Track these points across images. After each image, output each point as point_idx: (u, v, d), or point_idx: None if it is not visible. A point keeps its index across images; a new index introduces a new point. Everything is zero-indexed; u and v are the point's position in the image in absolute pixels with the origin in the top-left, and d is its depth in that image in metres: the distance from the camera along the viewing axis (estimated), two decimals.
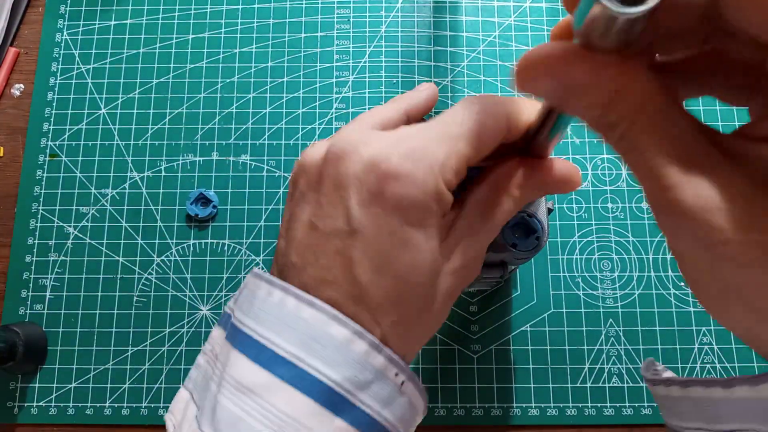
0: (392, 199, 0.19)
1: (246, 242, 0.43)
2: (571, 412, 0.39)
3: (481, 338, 0.41)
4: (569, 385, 0.39)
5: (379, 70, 0.46)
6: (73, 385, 0.40)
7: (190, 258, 0.42)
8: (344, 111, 0.45)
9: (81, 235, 0.43)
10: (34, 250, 0.43)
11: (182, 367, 0.41)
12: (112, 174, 0.44)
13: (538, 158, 0.21)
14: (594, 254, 0.42)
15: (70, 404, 0.40)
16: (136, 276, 0.42)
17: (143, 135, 0.45)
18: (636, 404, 0.39)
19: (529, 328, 0.41)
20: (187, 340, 0.41)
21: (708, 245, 0.14)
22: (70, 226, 0.43)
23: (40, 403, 0.40)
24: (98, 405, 0.40)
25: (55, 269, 0.42)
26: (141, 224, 0.43)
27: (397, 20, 0.47)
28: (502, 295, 0.41)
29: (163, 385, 0.40)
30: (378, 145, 0.20)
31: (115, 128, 0.45)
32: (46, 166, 0.44)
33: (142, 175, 0.44)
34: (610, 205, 0.43)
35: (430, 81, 0.46)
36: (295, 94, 0.45)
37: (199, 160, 0.44)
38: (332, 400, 0.19)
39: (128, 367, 0.41)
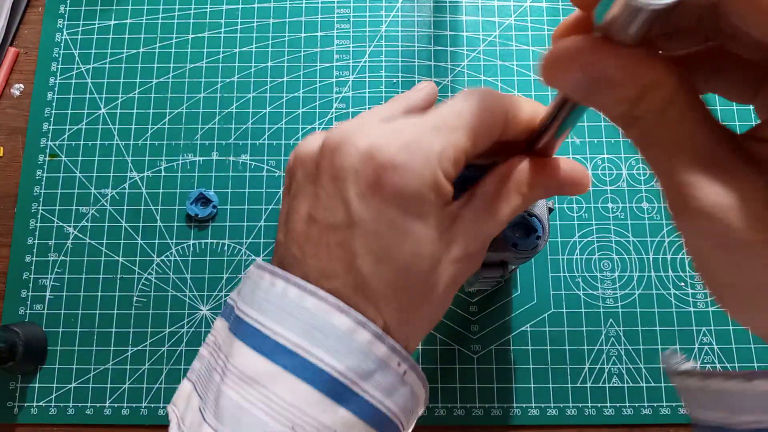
0: (390, 189, 0.19)
1: (246, 242, 0.43)
2: (571, 412, 0.39)
3: (481, 338, 0.41)
4: (569, 385, 0.39)
5: (379, 69, 0.46)
6: (73, 385, 0.40)
7: (190, 258, 0.42)
8: (344, 111, 0.45)
9: (81, 235, 0.43)
10: (34, 250, 0.43)
11: (182, 367, 0.41)
12: (111, 174, 0.44)
13: (544, 157, 0.21)
14: (594, 254, 0.42)
15: (70, 404, 0.40)
16: (136, 276, 0.42)
17: (143, 135, 0.45)
18: (636, 404, 0.39)
19: (529, 328, 0.41)
20: (187, 340, 0.41)
21: (727, 245, 0.14)
22: (69, 226, 0.43)
23: (40, 403, 0.40)
24: (98, 405, 0.40)
25: (55, 269, 0.42)
26: (141, 224, 0.43)
27: (397, 20, 0.47)
28: (502, 295, 0.41)
29: (163, 385, 0.40)
30: (374, 136, 0.20)
31: (114, 128, 0.45)
32: (45, 166, 0.44)
33: (141, 175, 0.44)
34: (610, 205, 0.42)
35: (430, 80, 0.46)
36: (295, 94, 0.45)
37: (199, 160, 0.44)
38: (335, 389, 0.19)
39: (128, 367, 0.41)
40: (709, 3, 0.14)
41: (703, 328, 0.40)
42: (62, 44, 0.47)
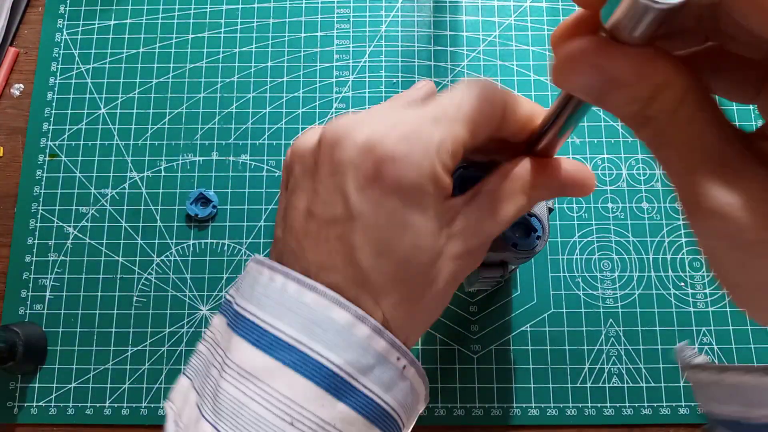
0: (390, 181, 0.19)
1: (246, 242, 0.43)
2: (571, 412, 0.39)
3: (481, 338, 0.41)
4: (569, 385, 0.39)
5: (379, 69, 0.46)
6: (73, 385, 0.40)
7: (190, 258, 0.42)
8: (344, 111, 0.45)
9: (81, 235, 0.43)
10: (34, 250, 0.43)
11: (182, 367, 0.41)
12: (111, 174, 0.44)
13: (546, 158, 0.21)
14: (594, 254, 0.42)
15: (70, 404, 0.40)
16: (136, 276, 0.42)
17: (143, 135, 0.45)
18: (636, 404, 0.39)
19: (529, 328, 0.41)
20: (187, 340, 0.41)
21: (739, 245, 0.14)
22: (69, 226, 0.43)
23: (40, 403, 0.40)
24: (98, 405, 0.40)
25: (55, 269, 0.42)
26: (141, 224, 0.43)
27: (397, 20, 0.47)
28: (502, 295, 0.41)
29: (162, 385, 0.40)
30: (372, 128, 0.20)
31: (114, 128, 0.45)
32: (45, 166, 0.44)
33: (141, 175, 0.44)
34: (610, 205, 0.42)
35: (429, 80, 0.46)
36: (295, 94, 0.45)
37: (199, 160, 0.44)
38: (334, 384, 0.19)
39: (128, 367, 0.41)
40: (709, 2, 0.14)
41: (703, 328, 0.40)
42: (62, 44, 0.47)
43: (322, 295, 0.19)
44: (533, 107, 0.21)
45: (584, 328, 0.40)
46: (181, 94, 0.46)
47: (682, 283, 0.41)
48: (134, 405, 0.40)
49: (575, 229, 0.42)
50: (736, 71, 0.16)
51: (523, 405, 0.39)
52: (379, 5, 0.47)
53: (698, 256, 0.41)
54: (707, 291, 0.41)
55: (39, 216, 0.43)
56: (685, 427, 0.39)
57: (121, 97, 0.46)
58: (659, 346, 0.40)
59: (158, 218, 0.43)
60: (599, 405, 0.39)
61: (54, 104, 0.45)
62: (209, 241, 0.43)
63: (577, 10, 0.16)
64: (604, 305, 0.41)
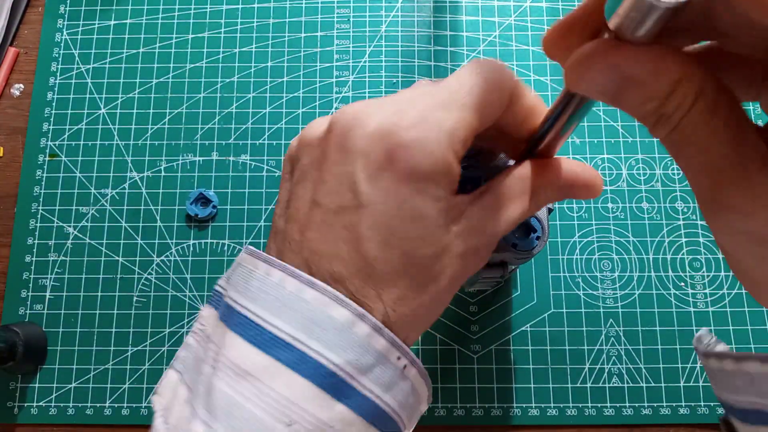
0: (402, 169, 0.18)
1: (246, 242, 0.43)
2: (571, 412, 0.39)
3: (481, 338, 0.41)
4: (569, 385, 0.39)
5: (379, 69, 0.46)
6: (73, 385, 0.40)
7: (190, 258, 0.42)
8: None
9: (81, 235, 0.43)
10: (34, 250, 0.43)
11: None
12: (111, 174, 0.44)
13: (550, 159, 0.21)
14: (594, 254, 0.42)
15: (70, 404, 0.40)
16: (136, 276, 0.42)
17: (143, 135, 0.45)
18: (636, 404, 0.39)
19: (529, 328, 0.41)
20: None
21: (759, 241, 0.14)
22: (69, 226, 0.43)
23: (40, 403, 0.40)
24: (98, 405, 0.40)
25: (55, 269, 0.42)
26: (141, 224, 0.43)
27: (397, 20, 0.47)
28: (502, 295, 0.41)
29: None
30: (383, 115, 0.19)
31: (114, 128, 0.45)
32: (45, 166, 0.44)
33: (141, 175, 0.44)
34: (610, 205, 0.42)
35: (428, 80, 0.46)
36: (295, 94, 0.45)
37: (199, 160, 0.44)
38: (333, 384, 0.18)
39: (128, 367, 0.41)
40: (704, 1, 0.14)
41: (703, 329, 0.40)
42: (62, 44, 0.47)
43: (321, 292, 0.19)
44: (537, 99, 0.21)
45: (584, 328, 0.40)
46: (181, 94, 0.46)
47: (682, 283, 0.41)
48: (134, 405, 0.40)
49: (575, 229, 0.42)
50: (737, 70, 0.16)
51: (523, 405, 0.39)
52: (379, 5, 0.47)
53: (698, 256, 0.42)
54: (707, 291, 0.41)
55: (39, 216, 0.43)
56: (685, 427, 0.39)
57: (121, 97, 0.46)
58: (659, 346, 0.40)
59: (158, 218, 0.43)
60: (599, 405, 0.39)
61: (54, 104, 0.45)
62: (209, 241, 0.43)
63: (567, 13, 0.16)
64: (604, 305, 0.41)
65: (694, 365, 0.39)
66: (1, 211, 0.44)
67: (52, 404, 0.40)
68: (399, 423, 0.20)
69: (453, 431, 0.39)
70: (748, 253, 0.14)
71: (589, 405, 0.39)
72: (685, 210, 0.42)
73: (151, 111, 0.45)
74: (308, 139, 0.21)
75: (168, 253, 0.43)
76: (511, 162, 0.23)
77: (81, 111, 0.45)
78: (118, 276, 0.42)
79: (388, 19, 0.47)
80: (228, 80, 0.46)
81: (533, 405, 0.39)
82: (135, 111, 0.45)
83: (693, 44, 0.16)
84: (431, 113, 0.19)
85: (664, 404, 0.39)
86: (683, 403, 0.39)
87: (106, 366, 0.41)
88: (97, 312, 0.42)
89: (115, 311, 0.42)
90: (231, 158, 0.44)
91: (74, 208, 0.43)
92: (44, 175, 0.44)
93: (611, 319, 0.40)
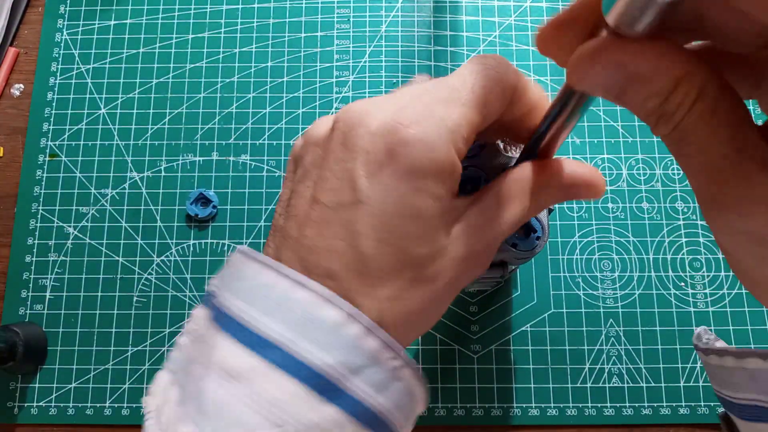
0: (402, 165, 0.18)
1: (246, 242, 0.43)
2: (571, 412, 0.39)
3: (481, 338, 0.41)
4: (569, 385, 0.39)
5: (379, 69, 0.46)
6: (73, 385, 0.40)
7: (190, 258, 0.42)
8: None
9: (81, 235, 0.43)
10: (34, 250, 0.43)
11: None
12: (111, 174, 0.44)
13: (550, 159, 0.21)
14: (594, 254, 0.42)
15: (70, 404, 0.40)
16: (136, 276, 0.42)
17: (143, 135, 0.45)
18: (636, 404, 0.39)
19: (529, 328, 0.41)
20: None
21: (760, 241, 0.13)
22: (70, 226, 0.43)
23: (40, 403, 0.40)
24: (98, 405, 0.40)
25: (55, 269, 0.42)
26: (141, 224, 0.43)
27: (397, 20, 0.47)
28: (502, 295, 0.41)
29: None
30: (385, 112, 0.19)
31: (114, 128, 0.45)
32: (45, 166, 0.44)
33: (141, 175, 0.44)
34: (610, 205, 0.42)
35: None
36: (295, 94, 0.45)
37: (199, 160, 0.44)
38: (324, 385, 0.18)
39: (128, 367, 0.41)
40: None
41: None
42: (62, 44, 0.47)
43: (312, 292, 0.19)
44: (540, 95, 0.20)
45: (584, 328, 0.40)
46: (181, 94, 0.46)
47: (682, 283, 0.41)
48: (134, 405, 0.40)
49: (575, 229, 0.42)
50: (734, 69, 0.16)
51: (524, 405, 0.39)
52: (379, 5, 0.47)
53: (698, 256, 0.41)
54: (707, 291, 0.41)
55: (39, 216, 0.43)
56: (685, 427, 0.39)
57: (121, 97, 0.46)
58: (659, 346, 0.40)
59: (158, 218, 0.43)
60: (599, 405, 0.39)
61: (54, 104, 0.45)
62: (209, 241, 0.43)
63: (561, 10, 0.16)
64: (604, 305, 0.41)
65: (694, 365, 0.39)
66: (1, 211, 0.44)
67: (52, 404, 0.40)
68: (394, 424, 0.20)
69: (453, 431, 0.39)
70: (748, 253, 0.14)
71: (589, 405, 0.39)
72: (685, 210, 0.42)
73: (151, 111, 0.45)
74: (312, 138, 0.21)
75: (168, 253, 0.43)
76: (513, 162, 0.23)
77: (81, 111, 0.45)
78: (118, 276, 0.42)
79: (388, 19, 0.47)
80: (228, 80, 0.46)
81: (533, 405, 0.39)
82: (135, 111, 0.45)
83: (686, 44, 0.16)
84: (433, 110, 0.19)
85: (664, 404, 0.39)
86: (683, 403, 0.39)
87: (106, 366, 0.41)
88: (97, 312, 0.42)
89: (115, 311, 0.42)
90: (231, 158, 0.44)
91: (74, 208, 0.43)
92: (44, 175, 0.44)
93: (611, 319, 0.40)
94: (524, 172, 0.21)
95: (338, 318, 0.18)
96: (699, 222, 0.42)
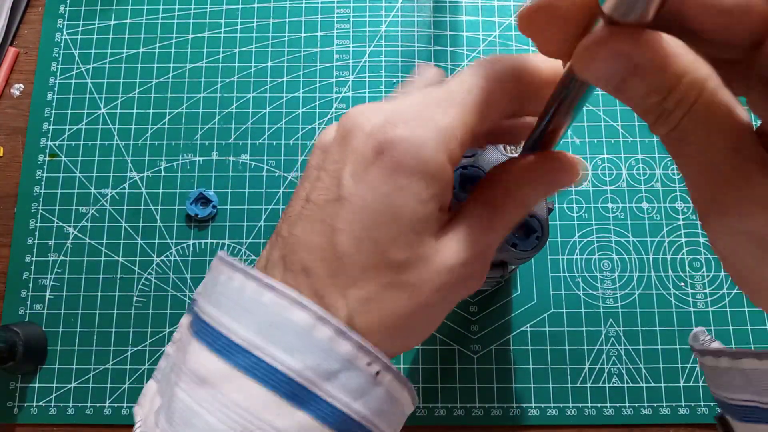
0: (388, 163, 0.18)
1: (246, 242, 0.43)
2: (571, 412, 0.39)
3: (481, 338, 0.41)
4: (569, 385, 0.39)
5: (379, 69, 0.46)
6: (73, 385, 0.40)
7: (190, 258, 0.42)
8: (344, 111, 0.45)
9: (81, 235, 0.43)
10: (34, 250, 0.43)
11: None
12: (111, 174, 0.44)
13: (544, 150, 0.20)
14: (594, 254, 0.42)
15: (70, 404, 0.40)
16: (136, 276, 0.42)
17: (143, 135, 0.45)
18: (636, 404, 0.39)
19: (529, 328, 0.41)
20: None
21: (763, 243, 0.13)
22: (69, 226, 0.43)
23: (40, 403, 0.40)
24: (98, 405, 0.40)
25: (55, 269, 0.42)
26: (141, 224, 0.43)
27: (397, 20, 0.47)
28: (502, 295, 0.41)
29: None
30: (381, 114, 0.19)
31: (114, 128, 0.45)
32: (45, 166, 0.44)
33: (141, 175, 0.44)
34: (610, 205, 0.42)
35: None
36: (295, 94, 0.45)
37: (199, 160, 0.44)
38: (292, 390, 0.17)
39: (128, 367, 0.41)
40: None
41: (704, 329, 0.40)
42: (62, 44, 0.47)
43: (280, 295, 0.18)
44: (555, 66, 0.19)
45: (584, 328, 0.40)
46: (181, 94, 0.46)
47: (682, 283, 0.41)
48: (134, 405, 0.40)
49: (575, 229, 0.42)
50: (720, 68, 0.16)
51: (523, 405, 0.39)
52: (379, 5, 0.47)
53: (698, 256, 0.41)
54: (707, 291, 0.41)
55: (39, 216, 0.43)
56: (685, 427, 0.39)
57: (121, 97, 0.46)
58: (659, 346, 0.40)
59: (158, 218, 0.43)
60: (599, 405, 0.39)
61: (54, 104, 0.45)
62: (209, 241, 0.43)
63: None
64: (604, 305, 0.41)
65: (694, 365, 0.39)
66: (1, 211, 0.44)
67: (52, 404, 0.40)
68: (374, 431, 0.19)
69: (453, 431, 0.39)
70: (748, 255, 0.14)
71: (589, 405, 0.39)
72: (685, 210, 0.42)
73: (151, 111, 0.45)
74: (320, 143, 0.21)
75: (168, 253, 0.43)
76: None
77: (81, 111, 0.45)
78: (118, 276, 0.42)
79: (388, 19, 0.47)
80: (228, 80, 0.46)
81: (533, 405, 0.39)
82: (135, 111, 0.45)
83: None
84: (426, 111, 0.18)
85: (664, 404, 0.39)
86: (683, 403, 0.39)
87: (106, 366, 0.41)
88: (97, 312, 0.42)
89: (115, 311, 0.42)
90: (231, 158, 0.44)
91: (74, 208, 0.43)
92: (44, 175, 0.44)
93: (611, 319, 0.40)
94: (503, 174, 0.20)
95: (308, 320, 0.18)
96: (699, 222, 0.42)
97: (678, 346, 0.40)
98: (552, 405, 0.39)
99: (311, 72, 0.46)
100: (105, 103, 0.45)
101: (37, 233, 0.43)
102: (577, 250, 0.42)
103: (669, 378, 0.39)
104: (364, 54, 0.46)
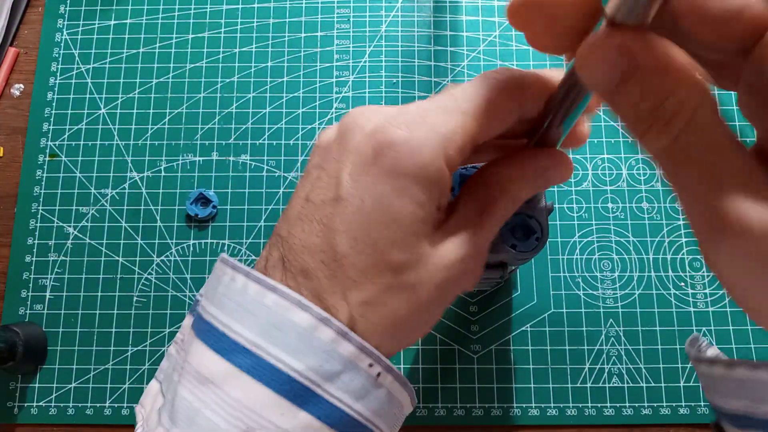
0: (386, 165, 0.18)
1: (246, 242, 0.43)
2: (571, 412, 0.39)
3: (481, 338, 0.41)
4: (569, 385, 0.39)
5: (379, 69, 0.46)
6: (73, 385, 0.40)
7: (190, 258, 0.42)
8: (344, 111, 0.45)
9: (81, 235, 0.43)
10: (34, 250, 0.43)
11: None
12: (111, 174, 0.44)
13: (543, 147, 0.20)
14: (594, 254, 0.42)
15: (70, 404, 0.40)
16: (136, 276, 0.42)
17: (143, 135, 0.45)
18: (636, 404, 0.39)
19: (529, 328, 0.41)
20: None
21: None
22: (70, 226, 0.43)
23: (40, 403, 0.40)
24: (98, 405, 0.40)
25: (55, 269, 0.42)
26: (141, 224, 0.43)
27: (397, 20, 0.47)
28: (502, 295, 0.41)
29: None
30: (382, 116, 0.19)
31: (114, 128, 0.45)
32: (45, 166, 0.44)
33: (141, 175, 0.44)
34: (610, 205, 0.42)
35: (430, 80, 0.46)
36: (295, 94, 0.45)
37: (199, 160, 0.44)
38: (295, 391, 0.18)
39: (128, 367, 0.41)
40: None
41: (703, 328, 0.40)
42: (62, 44, 0.47)
43: (283, 296, 0.18)
44: (557, 81, 0.19)
45: (584, 328, 0.40)
46: (181, 94, 0.46)
47: (682, 283, 0.41)
48: (134, 405, 0.40)
49: (575, 229, 0.42)
50: (708, 67, 0.16)
51: (523, 405, 0.39)
52: (379, 5, 0.47)
53: (698, 256, 0.41)
54: (707, 291, 0.41)
55: (39, 216, 0.43)
56: (685, 427, 0.39)
57: (121, 97, 0.46)
58: (659, 346, 0.40)
59: (158, 218, 0.43)
60: (599, 405, 0.39)
61: (54, 104, 0.45)
62: (209, 241, 0.43)
63: None
64: (604, 305, 0.41)
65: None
66: (1, 211, 0.44)
67: (52, 404, 0.40)
68: (375, 431, 0.20)
69: (453, 431, 0.39)
70: (759, 280, 0.13)
71: (589, 405, 0.39)
72: None
73: (151, 111, 0.45)
74: (322, 144, 0.21)
75: (168, 253, 0.43)
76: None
77: (81, 111, 0.45)
78: (118, 276, 0.42)
79: (388, 19, 0.47)
80: (228, 80, 0.46)
81: (533, 405, 0.39)
82: (135, 111, 0.45)
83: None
84: (427, 116, 0.18)
85: (664, 404, 0.39)
86: (683, 403, 0.39)
87: (106, 366, 0.41)
88: (97, 312, 0.42)
89: (115, 311, 0.42)
90: (231, 158, 0.44)
91: (74, 208, 0.43)
92: (44, 175, 0.44)
93: (611, 319, 0.40)
94: (494, 169, 0.20)
95: (310, 322, 0.18)
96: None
97: (678, 346, 0.40)
98: (552, 405, 0.39)
99: (311, 72, 0.46)
100: (105, 103, 0.45)
101: (37, 233, 0.43)
102: (577, 250, 0.42)
103: (669, 378, 0.39)
104: (364, 54, 0.46)
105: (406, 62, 0.46)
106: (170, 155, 0.44)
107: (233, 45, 0.46)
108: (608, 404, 0.39)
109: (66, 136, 0.45)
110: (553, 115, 0.19)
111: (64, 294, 0.42)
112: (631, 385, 0.39)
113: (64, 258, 0.43)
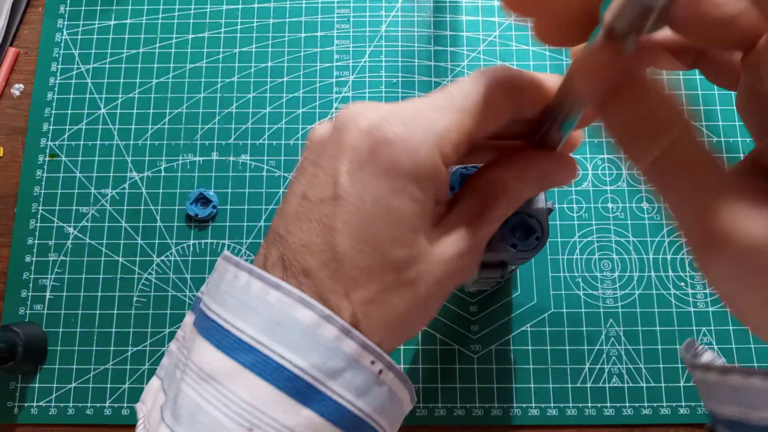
0: (383, 163, 0.18)
1: (246, 242, 0.43)
2: (571, 412, 0.39)
3: (481, 338, 0.41)
4: (569, 385, 0.39)
5: (379, 69, 0.46)
6: (73, 385, 0.40)
7: (190, 258, 0.42)
8: None
9: (81, 235, 0.43)
10: (34, 250, 0.43)
11: None
12: (111, 174, 0.44)
13: (544, 149, 0.21)
14: (594, 254, 0.42)
15: (70, 404, 0.40)
16: (136, 276, 0.42)
17: (143, 135, 0.45)
18: (636, 404, 0.39)
19: (529, 328, 0.41)
20: None
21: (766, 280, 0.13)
22: (69, 226, 0.43)
23: (40, 403, 0.40)
24: (98, 405, 0.40)
25: (55, 269, 0.42)
26: (141, 224, 0.43)
27: (397, 20, 0.47)
28: (502, 295, 0.41)
29: None
30: (378, 113, 0.19)
31: (114, 128, 0.45)
32: (45, 166, 0.44)
33: (141, 175, 0.44)
34: (610, 205, 0.42)
35: (430, 80, 0.46)
36: (295, 94, 0.45)
37: (199, 160, 0.44)
38: (298, 388, 0.18)
39: (128, 367, 0.41)
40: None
41: (703, 328, 0.40)
42: (62, 44, 0.47)
43: (286, 294, 0.18)
44: (552, 80, 0.20)
45: (584, 328, 0.40)
46: (181, 94, 0.46)
47: (682, 283, 0.41)
48: (134, 405, 0.40)
49: (575, 229, 0.42)
50: (711, 66, 0.16)
51: (523, 405, 0.39)
52: (379, 5, 0.47)
53: None
54: (707, 291, 0.41)
55: (39, 216, 0.43)
56: (685, 427, 0.39)
57: (121, 97, 0.46)
58: (659, 346, 0.40)
59: (158, 218, 0.43)
60: (599, 405, 0.39)
61: (54, 104, 0.45)
62: (209, 241, 0.43)
63: None
64: (604, 305, 0.41)
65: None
66: (1, 211, 0.44)
67: (52, 404, 0.40)
68: (376, 429, 0.20)
69: (453, 431, 0.39)
70: (758, 295, 0.13)
71: (589, 405, 0.39)
72: None
73: (151, 111, 0.45)
74: (315, 139, 0.21)
75: (168, 253, 0.43)
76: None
77: (81, 111, 0.45)
78: (118, 276, 0.42)
79: (388, 19, 0.47)
80: (228, 80, 0.46)
81: (533, 405, 0.39)
82: (135, 111, 0.45)
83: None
84: (423, 113, 0.19)
85: (664, 404, 0.39)
86: (683, 403, 0.39)
87: (106, 366, 0.41)
88: (97, 312, 0.42)
89: (115, 311, 0.42)
90: (231, 158, 0.44)
91: (74, 208, 0.43)
92: (44, 175, 0.44)
93: (611, 319, 0.40)
94: (497, 168, 0.20)
95: (313, 319, 0.18)
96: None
97: (678, 346, 0.40)
98: (552, 405, 0.39)
99: (311, 72, 0.46)
100: (105, 103, 0.45)
101: (37, 233, 0.43)
102: (577, 250, 0.42)
103: (669, 378, 0.39)
104: (364, 54, 0.46)
105: (406, 62, 0.46)
106: (170, 155, 0.44)
107: (233, 45, 0.46)
108: (608, 404, 0.39)
109: (66, 136, 0.45)
110: (553, 118, 0.19)
111: (64, 294, 0.42)
112: (631, 385, 0.39)
113: (64, 258, 0.43)
